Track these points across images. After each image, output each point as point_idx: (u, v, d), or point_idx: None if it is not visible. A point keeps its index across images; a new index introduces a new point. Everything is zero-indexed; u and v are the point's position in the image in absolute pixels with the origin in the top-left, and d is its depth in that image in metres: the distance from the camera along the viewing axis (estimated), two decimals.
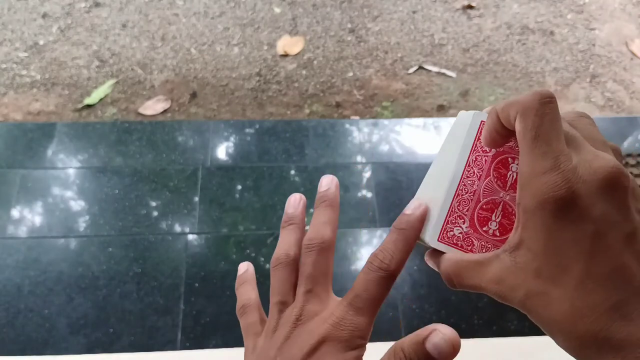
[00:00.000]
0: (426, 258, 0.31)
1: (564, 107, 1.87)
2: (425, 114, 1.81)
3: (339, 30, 2.06)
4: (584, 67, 1.98)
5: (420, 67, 1.95)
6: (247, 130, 1.64)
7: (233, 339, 1.24)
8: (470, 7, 2.16)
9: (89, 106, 1.77)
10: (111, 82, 1.84)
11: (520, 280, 0.25)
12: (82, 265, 1.33)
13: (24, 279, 1.30)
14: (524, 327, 1.28)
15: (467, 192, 0.30)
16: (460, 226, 0.30)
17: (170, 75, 1.87)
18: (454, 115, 1.80)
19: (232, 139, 1.63)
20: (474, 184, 0.31)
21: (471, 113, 0.31)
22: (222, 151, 1.59)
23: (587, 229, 0.24)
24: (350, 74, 1.92)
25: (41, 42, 1.94)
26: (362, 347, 0.29)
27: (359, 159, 1.59)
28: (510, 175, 0.31)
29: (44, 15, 2.03)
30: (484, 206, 0.30)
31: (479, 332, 1.27)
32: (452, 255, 0.29)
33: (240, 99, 1.82)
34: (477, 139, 0.31)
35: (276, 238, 1.41)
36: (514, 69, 1.97)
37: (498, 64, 1.98)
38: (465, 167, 0.31)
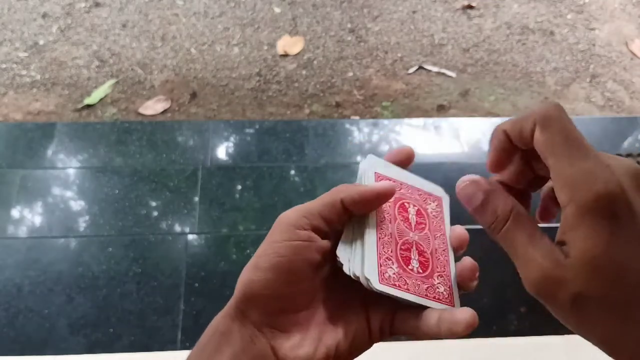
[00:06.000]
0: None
1: (564, 107, 1.87)
2: (425, 114, 1.81)
3: (339, 30, 2.06)
4: (584, 67, 1.98)
5: (420, 67, 1.95)
6: (247, 130, 1.64)
7: None
8: (470, 7, 2.16)
9: (89, 106, 1.77)
10: (111, 82, 1.84)
11: (573, 276, 0.24)
12: (82, 265, 1.33)
13: (24, 279, 1.30)
14: (524, 327, 1.28)
15: (386, 235, 0.33)
16: (391, 267, 0.32)
17: (170, 75, 1.87)
18: (454, 115, 1.80)
19: (232, 139, 1.63)
20: (388, 227, 0.33)
21: (368, 161, 0.35)
22: (222, 151, 1.59)
23: (638, 225, 0.24)
24: (350, 74, 1.92)
25: (41, 42, 1.94)
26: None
27: (359, 159, 1.59)
28: (411, 217, 0.35)
29: (44, 15, 2.03)
30: (402, 247, 0.33)
31: (479, 332, 1.27)
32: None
33: (240, 99, 1.82)
34: None
35: None
36: (514, 69, 1.97)
37: (498, 64, 1.98)
38: (376, 213, 0.33)
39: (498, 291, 1.30)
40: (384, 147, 1.63)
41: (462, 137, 1.66)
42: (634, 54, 2.03)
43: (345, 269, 0.31)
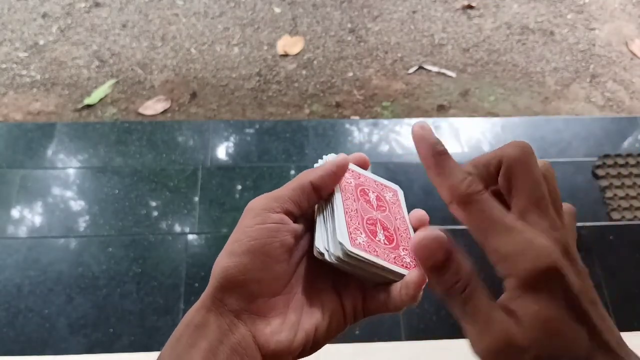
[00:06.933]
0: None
1: (564, 107, 1.87)
2: (425, 114, 1.81)
3: (339, 30, 2.06)
4: (584, 67, 1.98)
5: (420, 67, 1.95)
6: (247, 130, 1.64)
7: None
8: (470, 7, 2.16)
9: (89, 106, 1.77)
10: (111, 82, 1.84)
11: (529, 343, 0.25)
12: (82, 265, 1.33)
13: (24, 279, 1.30)
14: None
15: (351, 209, 0.35)
16: (360, 236, 0.33)
17: (170, 75, 1.87)
18: (454, 115, 1.80)
19: (232, 139, 1.63)
20: (352, 204, 0.36)
21: (334, 155, 0.38)
22: (222, 151, 1.59)
23: (571, 292, 0.25)
24: (350, 74, 1.92)
25: (41, 42, 1.94)
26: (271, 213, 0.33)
27: None
28: (372, 200, 0.37)
29: (44, 15, 2.03)
30: (368, 221, 0.35)
31: None
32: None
33: (240, 99, 1.82)
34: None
35: None
36: (514, 69, 1.97)
37: (498, 64, 1.98)
38: (341, 192, 0.36)
39: (498, 291, 1.30)
40: (384, 147, 1.63)
41: (462, 137, 1.66)
42: (634, 54, 2.03)
43: (327, 258, 0.32)
